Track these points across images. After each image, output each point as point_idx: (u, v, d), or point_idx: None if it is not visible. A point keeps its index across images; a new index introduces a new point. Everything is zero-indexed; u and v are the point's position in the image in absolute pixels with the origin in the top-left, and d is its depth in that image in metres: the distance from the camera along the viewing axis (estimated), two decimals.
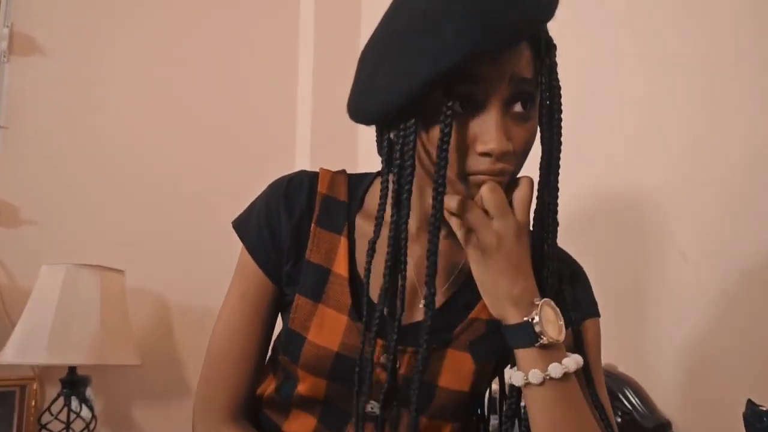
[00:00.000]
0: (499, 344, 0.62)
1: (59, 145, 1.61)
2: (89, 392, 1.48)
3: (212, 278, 1.80)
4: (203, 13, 1.86)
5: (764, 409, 0.87)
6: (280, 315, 0.74)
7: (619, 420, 1.11)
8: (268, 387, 0.74)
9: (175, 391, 1.69)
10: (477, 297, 0.65)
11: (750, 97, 1.09)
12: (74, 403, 1.43)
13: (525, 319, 0.57)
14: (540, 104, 0.59)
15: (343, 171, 0.74)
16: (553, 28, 0.60)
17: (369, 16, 2.14)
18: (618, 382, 1.13)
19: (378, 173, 0.74)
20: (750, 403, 0.89)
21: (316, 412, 0.70)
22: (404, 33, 0.55)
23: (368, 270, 0.61)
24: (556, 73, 0.58)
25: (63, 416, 1.41)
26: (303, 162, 1.97)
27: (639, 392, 1.13)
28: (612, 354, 1.13)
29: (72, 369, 1.44)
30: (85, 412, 1.45)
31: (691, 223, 1.13)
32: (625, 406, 1.11)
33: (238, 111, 1.89)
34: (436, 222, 0.56)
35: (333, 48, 2.04)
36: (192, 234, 1.74)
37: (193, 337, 1.70)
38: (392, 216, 0.58)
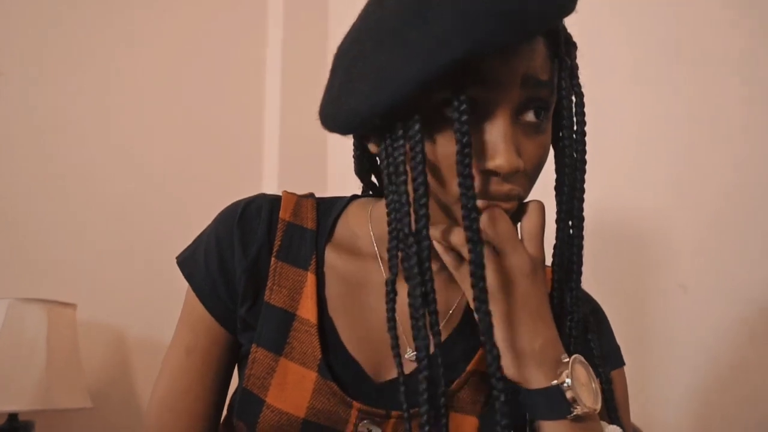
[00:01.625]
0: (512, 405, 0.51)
1: (2, 170, 1.48)
2: None
3: (172, 311, 1.68)
4: (165, 34, 1.76)
5: None
6: (236, 367, 0.62)
7: None
8: None
9: None
10: (477, 344, 0.54)
11: (745, 115, 1.03)
12: None
13: (553, 383, 0.45)
14: (557, 113, 0.49)
15: (311, 195, 0.63)
16: None
17: (336, 33, 2.06)
18: None
19: (352, 198, 0.63)
20: None
21: None
22: (391, 23, 0.45)
23: (391, 309, 0.48)
24: (578, 77, 0.49)
25: None
26: (270, 188, 1.86)
27: None
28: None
29: (12, 416, 1.29)
30: None
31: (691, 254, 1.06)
32: None
33: (201, 135, 1.79)
34: (477, 255, 0.44)
35: (301, 65, 1.96)
36: (149, 264, 1.60)
37: (151, 376, 1.56)
38: (405, 251, 0.46)
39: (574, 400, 0.45)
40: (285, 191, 0.62)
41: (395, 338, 0.47)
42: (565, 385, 0.45)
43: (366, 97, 0.45)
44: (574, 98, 0.49)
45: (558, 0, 0.44)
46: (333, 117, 0.49)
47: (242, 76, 1.92)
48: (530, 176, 0.48)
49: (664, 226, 1.11)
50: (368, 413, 0.54)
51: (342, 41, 0.51)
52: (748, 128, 1.03)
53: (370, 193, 0.65)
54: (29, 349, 1.27)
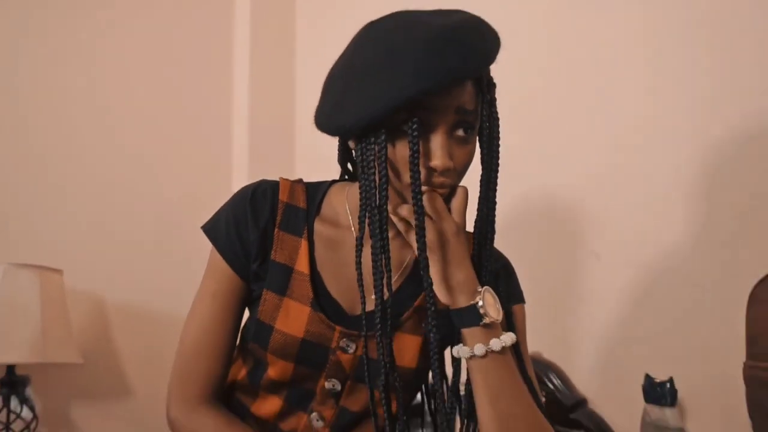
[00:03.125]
0: (443, 327, 0.72)
1: None
2: (29, 392, 1.47)
3: (151, 278, 1.84)
4: (133, 32, 1.87)
5: (658, 380, 1.02)
6: (247, 308, 0.81)
7: (543, 399, 1.25)
8: (239, 373, 0.82)
9: (116, 390, 1.70)
10: (421, 288, 0.75)
11: (653, 100, 1.25)
12: (14, 403, 1.42)
13: (471, 303, 0.67)
14: (481, 131, 0.70)
15: (300, 180, 0.83)
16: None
17: (302, 23, 2.22)
18: (543, 367, 1.28)
19: (332, 182, 0.83)
20: (647, 377, 1.04)
21: (283, 394, 0.79)
22: (373, 64, 0.64)
23: (358, 262, 0.69)
24: (496, 107, 0.69)
25: (2, 417, 1.40)
26: (241, 168, 2.04)
27: (560, 375, 1.28)
28: (539, 343, 1.27)
29: (10, 368, 1.43)
30: (26, 413, 1.44)
31: (604, 225, 1.29)
32: (549, 387, 1.26)
33: (174, 119, 1.92)
34: (420, 222, 0.64)
35: (268, 54, 2.11)
36: (130, 234, 1.75)
37: (134, 338, 1.72)
38: (370, 219, 0.66)
39: (485, 314, 0.66)
40: (282, 178, 0.82)
41: (360, 280, 0.68)
42: (479, 304, 0.67)
43: (351, 115, 0.65)
44: (489, 123, 0.69)
45: (482, 58, 0.65)
46: (326, 125, 0.69)
47: (211, 63, 2.05)
48: (459, 172, 0.69)
49: (581, 204, 1.34)
50: (345, 334, 0.75)
51: (333, 68, 0.71)
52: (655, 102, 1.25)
53: (346, 177, 0.85)
54: (24, 308, 1.40)
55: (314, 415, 0.78)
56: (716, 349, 1.03)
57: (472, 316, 0.67)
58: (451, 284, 0.68)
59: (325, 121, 0.69)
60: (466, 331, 0.67)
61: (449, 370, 0.74)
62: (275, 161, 2.10)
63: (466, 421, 0.72)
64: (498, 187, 0.71)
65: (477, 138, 0.70)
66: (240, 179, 2.05)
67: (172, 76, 1.94)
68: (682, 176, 1.18)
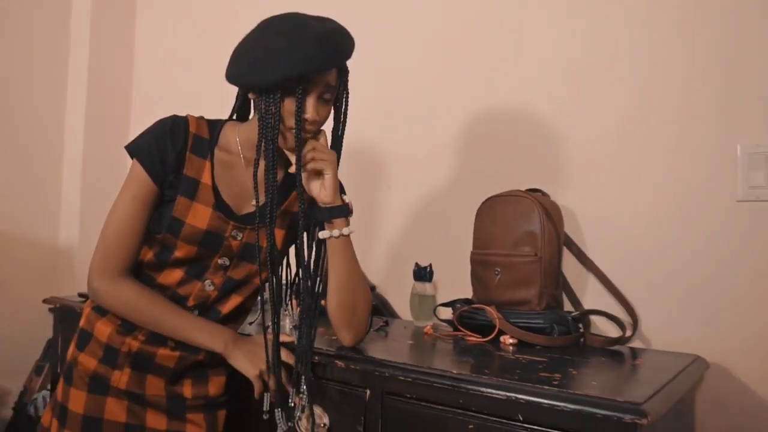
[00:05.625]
0: (297, 223, 1.13)
1: None
2: None
3: None
4: None
5: (423, 265, 1.58)
6: (159, 208, 1.13)
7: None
8: (146, 256, 1.15)
9: None
10: (284, 199, 1.17)
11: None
12: None
13: (345, 202, 1.10)
14: (337, 99, 1.10)
15: (203, 117, 1.16)
16: None
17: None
18: None
19: (225, 120, 1.18)
20: (416, 264, 1.59)
21: (184, 268, 1.15)
22: (279, 46, 0.98)
23: (256, 178, 1.05)
24: (347, 85, 1.10)
25: None
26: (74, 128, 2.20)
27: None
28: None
29: None
30: None
31: (397, 166, 1.80)
32: None
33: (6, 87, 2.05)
34: (299, 149, 1.03)
35: (107, 26, 2.26)
36: None
37: None
38: (265, 149, 1.03)
39: (350, 211, 1.10)
40: (190, 115, 1.14)
41: (256, 188, 1.05)
42: (348, 201, 1.10)
43: (260, 78, 0.99)
44: (344, 95, 1.10)
45: (345, 55, 1.03)
46: (239, 81, 1.03)
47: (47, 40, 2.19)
48: (320, 123, 1.08)
49: (381, 149, 1.83)
50: (236, 227, 1.13)
51: (245, 42, 1.03)
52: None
53: (233, 118, 1.20)
54: None
55: (207, 282, 1.15)
56: (463, 243, 1.60)
57: (342, 210, 1.09)
58: (325, 187, 1.08)
59: (237, 78, 1.04)
60: (334, 221, 1.09)
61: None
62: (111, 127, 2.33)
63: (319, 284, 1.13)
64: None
65: (333, 103, 1.10)
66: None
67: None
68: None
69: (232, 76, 1.05)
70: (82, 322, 1.19)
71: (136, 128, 2.49)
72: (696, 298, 1.32)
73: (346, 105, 1.13)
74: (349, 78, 1.12)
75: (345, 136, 1.15)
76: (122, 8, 2.50)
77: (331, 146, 1.13)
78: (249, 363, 1.11)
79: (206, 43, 2.36)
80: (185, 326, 1.12)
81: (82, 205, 2.33)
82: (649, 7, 1.41)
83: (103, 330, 1.15)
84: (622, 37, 1.44)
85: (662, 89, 1.38)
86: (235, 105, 1.19)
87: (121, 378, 1.13)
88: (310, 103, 1.04)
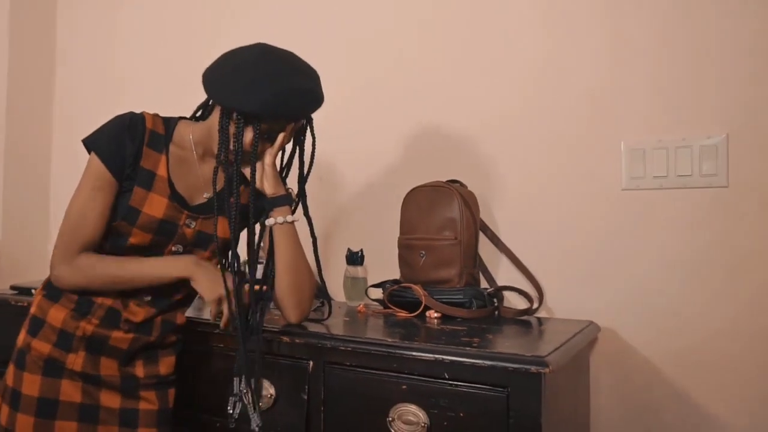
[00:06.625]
0: (247, 214, 1.23)
1: None
2: None
3: None
4: None
5: (355, 250, 1.72)
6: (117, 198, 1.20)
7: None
8: (104, 245, 1.22)
9: None
10: (232, 192, 1.27)
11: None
12: None
13: (288, 192, 1.22)
14: (296, 139, 1.24)
15: (157, 114, 1.24)
16: None
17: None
18: None
19: (179, 118, 1.27)
20: (348, 249, 1.73)
21: (139, 255, 1.22)
22: (248, 76, 1.09)
23: (215, 172, 1.17)
24: (312, 132, 1.24)
25: None
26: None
27: None
28: None
29: None
30: None
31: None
32: None
33: None
34: (237, 163, 1.14)
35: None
36: None
37: None
38: (222, 152, 1.14)
39: (293, 200, 1.22)
40: (145, 112, 1.21)
41: (215, 184, 1.17)
42: (291, 193, 1.22)
43: (234, 103, 1.09)
44: (302, 137, 1.24)
45: (298, 116, 1.15)
46: (214, 94, 1.13)
47: None
48: (258, 156, 1.15)
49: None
50: (189, 216, 1.22)
51: (241, 53, 1.13)
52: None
53: (187, 117, 1.29)
54: None
55: None
56: (390, 229, 1.74)
57: (285, 199, 1.21)
58: (271, 183, 1.20)
59: (212, 92, 1.14)
60: (279, 209, 1.20)
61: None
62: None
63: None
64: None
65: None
66: None
67: None
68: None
69: (213, 92, 1.15)
70: (33, 310, 1.24)
71: (60, 125, 2.47)
72: (591, 273, 1.54)
73: (313, 149, 1.26)
74: None
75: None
76: (43, 7, 2.45)
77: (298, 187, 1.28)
78: (210, 287, 1.19)
79: (125, 42, 2.38)
80: (147, 265, 1.20)
81: (4, 200, 2.29)
82: (546, 14, 1.61)
83: (57, 316, 1.21)
84: (522, 42, 1.64)
85: (560, 93, 1.59)
86: (200, 106, 1.29)
87: (75, 360, 1.20)
88: (248, 136, 1.14)
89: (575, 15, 1.57)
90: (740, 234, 1.38)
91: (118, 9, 2.41)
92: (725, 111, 1.40)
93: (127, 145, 1.17)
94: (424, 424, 1.10)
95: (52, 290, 1.24)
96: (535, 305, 1.53)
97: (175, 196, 1.21)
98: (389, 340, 1.18)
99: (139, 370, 1.25)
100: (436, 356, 1.11)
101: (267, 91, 1.09)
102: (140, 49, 2.35)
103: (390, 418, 1.14)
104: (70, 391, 1.19)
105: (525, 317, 1.51)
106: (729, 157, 1.40)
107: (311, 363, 1.25)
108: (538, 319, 1.51)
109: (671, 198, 1.46)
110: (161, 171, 1.20)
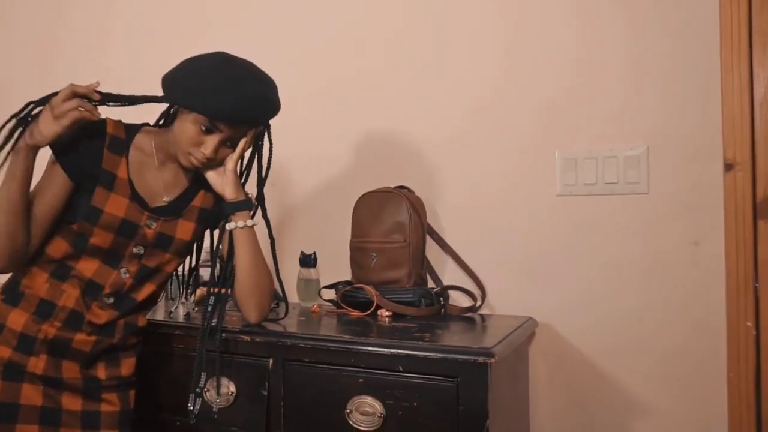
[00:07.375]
0: (206, 218, 1.29)
1: None
2: None
3: None
4: None
5: (308, 253, 1.78)
6: (76, 199, 1.23)
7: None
8: (62, 246, 1.23)
9: None
10: (194, 196, 1.31)
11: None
12: None
13: (248, 197, 1.27)
14: (255, 146, 1.30)
15: (120, 120, 1.27)
16: None
17: None
18: None
19: (142, 125, 1.31)
20: (302, 252, 1.79)
21: (100, 257, 1.25)
22: (209, 82, 1.14)
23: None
24: (270, 137, 1.30)
25: None
26: None
27: None
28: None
29: None
30: None
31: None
32: None
33: None
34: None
35: None
36: None
37: None
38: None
39: (253, 204, 1.28)
40: (108, 118, 1.24)
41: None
42: (251, 197, 1.28)
43: (198, 107, 1.15)
44: (260, 143, 1.30)
45: (267, 115, 1.22)
46: (178, 98, 1.18)
47: None
48: (218, 161, 1.23)
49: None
50: (150, 217, 1.26)
51: (201, 59, 1.18)
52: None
53: (150, 124, 1.33)
54: None
55: (123, 270, 1.27)
56: (342, 233, 1.82)
57: (246, 204, 1.27)
58: (231, 188, 1.26)
59: (173, 96, 1.19)
60: (238, 214, 1.26)
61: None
62: None
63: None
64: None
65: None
66: None
67: None
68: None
69: (174, 95, 1.20)
70: None
71: None
72: (529, 272, 1.67)
73: (270, 154, 1.32)
74: None
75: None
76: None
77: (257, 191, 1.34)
78: (45, 117, 1.14)
79: (115, 43, 2.36)
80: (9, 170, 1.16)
81: None
82: (498, 38, 1.73)
83: (17, 320, 1.22)
84: (463, 59, 1.75)
85: (505, 108, 1.71)
86: (162, 114, 1.34)
87: (37, 364, 1.21)
88: (211, 142, 1.20)
89: (525, 41, 1.70)
90: (659, 235, 1.54)
91: (109, 8, 2.38)
92: (646, 126, 1.56)
93: (86, 147, 1.21)
94: (380, 414, 1.19)
95: (10, 294, 1.24)
96: (479, 303, 1.64)
97: (135, 197, 1.25)
98: (347, 336, 1.26)
99: (101, 372, 1.27)
100: (392, 350, 1.20)
101: (233, 96, 1.15)
102: (130, 49, 2.33)
103: (348, 410, 1.22)
104: (30, 395, 1.21)
105: (469, 314, 1.62)
106: (650, 166, 1.55)
107: (271, 360, 1.31)
108: (482, 315, 1.62)
109: (600, 203, 1.60)
110: (121, 173, 1.24)
